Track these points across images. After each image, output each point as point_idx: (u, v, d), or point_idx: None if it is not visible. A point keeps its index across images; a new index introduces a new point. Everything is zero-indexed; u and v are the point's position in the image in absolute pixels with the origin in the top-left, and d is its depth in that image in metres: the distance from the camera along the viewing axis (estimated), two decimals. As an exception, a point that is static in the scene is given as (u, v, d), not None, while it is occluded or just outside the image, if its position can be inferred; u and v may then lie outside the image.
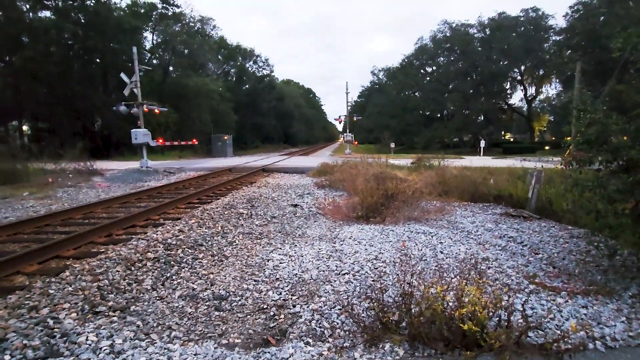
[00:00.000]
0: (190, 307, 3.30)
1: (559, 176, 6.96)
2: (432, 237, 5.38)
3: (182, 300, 3.43)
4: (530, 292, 3.28)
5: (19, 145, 18.34)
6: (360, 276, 3.86)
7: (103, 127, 28.43)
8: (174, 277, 3.84)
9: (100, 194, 9.69)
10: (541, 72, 41.42)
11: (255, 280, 3.87)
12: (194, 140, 20.58)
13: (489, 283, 3.36)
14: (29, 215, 6.20)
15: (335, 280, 3.82)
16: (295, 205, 7.75)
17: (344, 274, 3.96)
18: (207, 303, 3.38)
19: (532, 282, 3.49)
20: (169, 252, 4.34)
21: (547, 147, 37.23)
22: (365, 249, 4.72)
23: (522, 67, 42.21)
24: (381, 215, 6.62)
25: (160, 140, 16.79)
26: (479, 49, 41.54)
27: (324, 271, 4.09)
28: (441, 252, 4.62)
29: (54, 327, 2.61)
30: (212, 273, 4.05)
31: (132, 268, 3.82)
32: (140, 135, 13.59)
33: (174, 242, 4.61)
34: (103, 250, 4.15)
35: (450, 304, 2.43)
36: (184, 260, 4.27)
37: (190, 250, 4.54)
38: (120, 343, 2.52)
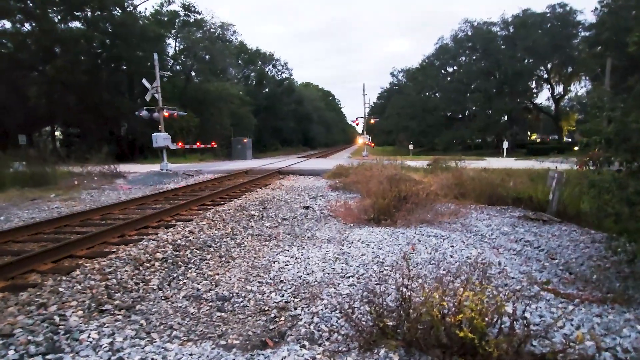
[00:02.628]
0: (194, 308, 3.35)
1: (575, 177, 6.63)
2: (443, 240, 5.23)
3: (186, 300, 3.48)
4: (540, 299, 3.13)
5: (49, 150, 19.30)
6: (364, 279, 3.80)
7: (128, 132, 29.53)
8: (180, 278, 3.91)
9: (121, 195, 10.05)
10: (569, 70, 39.71)
11: (259, 282, 3.89)
12: (213, 143, 21.03)
13: (493, 289, 3.23)
14: (52, 216, 6.50)
15: (339, 283, 3.78)
16: (307, 207, 7.75)
17: (349, 277, 3.91)
18: (210, 304, 3.42)
19: (544, 289, 3.33)
20: (177, 252, 4.43)
21: (576, 148, 35.63)
22: (373, 252, 4.65)
23: (549, 65, 40.59)
24: (393, 217, 6.51)
25: (180, 144, 17.23)
26: (502, 47, 40.27)
27: (328, 274, 4.06)
28: (451, 256, 4.48)
29: (60, 324, 2.71)
30: (218, 274, 4.10)
31: (141, 268, 3.92)
32: (161, 138, 14.01)
33: (183, 243, 4.70)
34: (114, 250, 4.29)
35: (449, 310, 2.34)
36: (192, 261, 4.34)
37: (198, 251, 4.62)
38: (120, 341, 2.58)
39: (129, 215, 6.29)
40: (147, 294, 3.52)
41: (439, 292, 2.50)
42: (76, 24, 25.87)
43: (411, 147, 28.11)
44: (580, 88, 40.85)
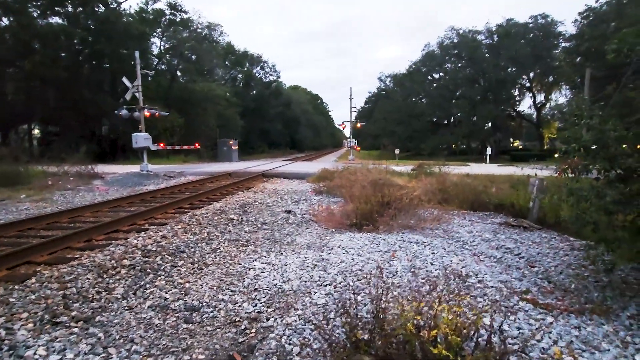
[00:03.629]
0: (159, 319, 3.14)
1: (555, 185, 6.68)
2: (424, 247, 5.16)
3: (152, 310, 3.27)
4: (519, 310, 3.05)
5: (23, 148, 18.60)
6: (341, 288, 3.67)
7: (110, 132, 28.75)
8: (147, 286, 3.69)
9: (96, 197, 9.67)
10: (550, 79, 40.82)
11: (232, 290, 3.71)
12: (197, 144, 20.63)
13: (472, 299, 3.14)
14: (17, 218, 6.15)
15: (315, 292, 3.64)
16: (289, 212, 7.59)
17: (326, 285, 3.77)
18: (177, 314, 3.23)
19: (522, 299, 3.26)
20: (146, 259, 4.20)
21: (556, 155, 36.50)
22: (352, 259, 4.53)
23: (531, 74, 41.66)
24: (375, 223, 6.41)
25: (162, 145, 16.83)
26: (487, 55, 41.16)
27: (305, 281, 3.91)
28: (431, 264, 4.40)
29: (5, 338, 2.48)
30: (189, 282, 3.89)
31: (105, 275, 3.69)
32: (141, 139, 13.62)
33: (154, 249, 4.48)
34: (78, 256, 4.04)
35: (425, 323, 2.22)
36: (162, 267, 4.12)
37: (170, 257, 4.40)
38: (71, 358, 2.37)
39: (99, 219, 6.00)
40: (110, 304, 3.29)
41: (415, 304, 2.39)
42: (57, 20, 25.12)
43: (397, 151, 28.25)
44: (560, 97, 42.03)
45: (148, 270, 3.99)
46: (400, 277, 3.97)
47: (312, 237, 5.77)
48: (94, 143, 27.11)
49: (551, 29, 38.84)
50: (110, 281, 3.62)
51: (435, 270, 4.16)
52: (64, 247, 4.33)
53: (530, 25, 39.66)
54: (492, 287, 3.62)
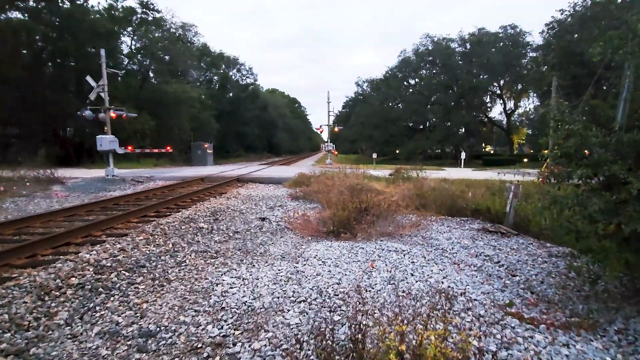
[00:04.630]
0: (107, 348, 2.74)
1: (537, 191, 6.71)
2: (404, 255, 4.96)
3: (100, 338, 2.86)
4: (505, 326, 2.87)
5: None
6: (316, 305, 3.38)
7: (75, 134, 27.21)
8: (97, 308, 3.26)
9: (53, 204, 8.92)
10: (519, 87, 42.49)
11: (196, 310, 3.34)
12: (168, 147, 19.81)
13: (455, 315, 2.94)
14: (-45, 230, 5.46)
15: (288, 310, 3.33)
16: (264, 219, 7.23)
17: (300, 302, 3.47)
18: (130, 342, 2.83)
19: (508, 313, 3.09)
20: (99, 276, 3.75)
21: (525, 160, 37.93)
22: (329, 271, 4.25)
23: (502, 82, 43.21)
24: (353, 230, 6.18)
25: (130, 148, 15.98)
26: (460, 62, 42.35)
27: (278, 298, 3.59)
28: (412, 275, 4.19)
29: None
30: (147, 302, 3.48)
31: (47, 298, 3.23)
32: (106, 141, 12.82)
33: (109, 264, 4.02)
34: (16, 275, 3.53)
35: (408, 355, 1.97)
36: (117, 286, 3.69)
37: (127, 274, 3.96)
38: (-14, 407, 1.95)
39: (50, 230, 5.42)
40: (49, 333, 2.85)
41: (397, 327, 2.13)
42: (17, 15, 23.58)
43: (374, 156, 28.37)
44: (529, 104, 43.84)
45: (100, 289, 3.54)
46: (379, 290, 3.73)
47: (286, 247, 5.46)
48: (57, 146, 25.59)
49: (520, 38, 40.49)
50: (53, 304, 3.17)
51: (416, 282, 3.94)
52: (2, 265, 3.79)
53: (501, 35, 41.18)
54: (475, 300, 3.44)
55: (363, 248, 5.24)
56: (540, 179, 3.45)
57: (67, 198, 10.04)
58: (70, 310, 3.16)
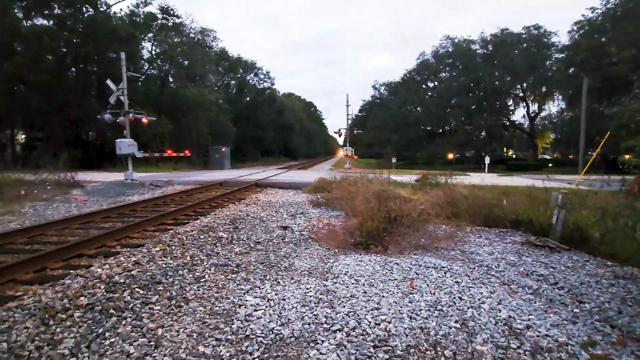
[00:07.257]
0: (115, 388, 2.33)
1: (589, 201, 6.04)
2: (445, 273, 4.42)
3: (108, 374, 2.46)
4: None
5: (3, 155, 17.51)
6: (356, 336, 2.89)
7: (97, 137, 27.66)
8: (106, 335, 2.87)
9: (71, 209, 8.76)
10: (544, 89, 40.96)
11: (217, 339, 2.90)
12: (186, 151, 19.73)
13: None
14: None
15: (323, 341, 2.86)
16: (285, 228, 6.81)
17: (335, 331, 3.00)
18: (141, 380, 2.42)
19: (594, 356, 2.53)
20: (111, 294, 3.38)
21: (550, 165, 36.43)
22: (364, 292, 3.76)
23: (525, 84, 41.79)
24: (383, 242, 5.66)
25: (148, 152, 15.92)
26: (482, 64, 41.19)
27: (309, 324, 3.13)
28: (460, 298, 3.65)
29: None
30: (162, 326, 3.08)
31: (51, 322, 2.86)
32: (125, 145, 12.74)
33: (122, 280, 3.65)
34: (20, 294, 3.19)
35: None
36: (130, 306, 3.30)
37: (141, 292, 3.57)
38: None
39: (64, 239, 5.13)
40: (51, 365, 2.47)
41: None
42: (42, 21, 24.20)
43: (394, 160, 27.69)
44: (554, 107, 42.21)
45: (111, 311, 3.16)
46: (425, 318, 3.22)
47: (313, 261, 5.00)
48: (80, 149, 26.01)
49: (544, 39, 39.08)
50: (58, 330, 2.79)
51: (468, 308, 3.41)
52: (7, 280, 3.47)
53: (524, 36, 39.88)
54: (545, 335, 2.88)
55: (397, 264, 4.73)
56: (626, 192, 2.87)
57: (86, 202, 9.90)
58: (76, 336, 2.78)
